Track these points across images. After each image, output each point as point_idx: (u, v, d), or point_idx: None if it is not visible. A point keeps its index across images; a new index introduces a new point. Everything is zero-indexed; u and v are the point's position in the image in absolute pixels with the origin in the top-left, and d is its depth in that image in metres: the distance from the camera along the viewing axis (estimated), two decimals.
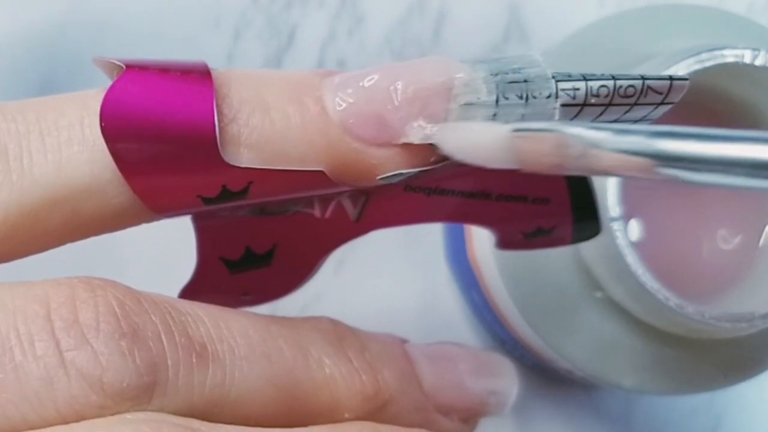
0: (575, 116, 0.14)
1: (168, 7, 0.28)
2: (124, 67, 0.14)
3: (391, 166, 0.14)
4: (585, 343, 0.22)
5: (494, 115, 0.14)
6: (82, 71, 0.27)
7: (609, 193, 0.20)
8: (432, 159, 0.14)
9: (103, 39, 0.28)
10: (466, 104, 0.14)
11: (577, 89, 0.14)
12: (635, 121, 0.15)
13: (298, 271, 0.17)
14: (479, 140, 0.14)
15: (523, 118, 0.14)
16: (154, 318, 0.14)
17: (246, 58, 0.28)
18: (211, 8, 0.29)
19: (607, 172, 0.13)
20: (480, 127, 0.14)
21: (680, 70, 0.20)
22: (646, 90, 0.14)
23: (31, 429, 0.13)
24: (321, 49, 0.29)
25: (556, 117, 0.14)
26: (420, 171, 0.14)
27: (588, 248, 0.21)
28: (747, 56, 0.20)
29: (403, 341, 0.17)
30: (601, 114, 0.14)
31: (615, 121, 0.14)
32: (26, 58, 0.28)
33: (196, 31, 0.28)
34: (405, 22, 0.29)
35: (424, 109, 0.14)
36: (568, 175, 0.16)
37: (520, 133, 0.13)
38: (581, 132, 0.12)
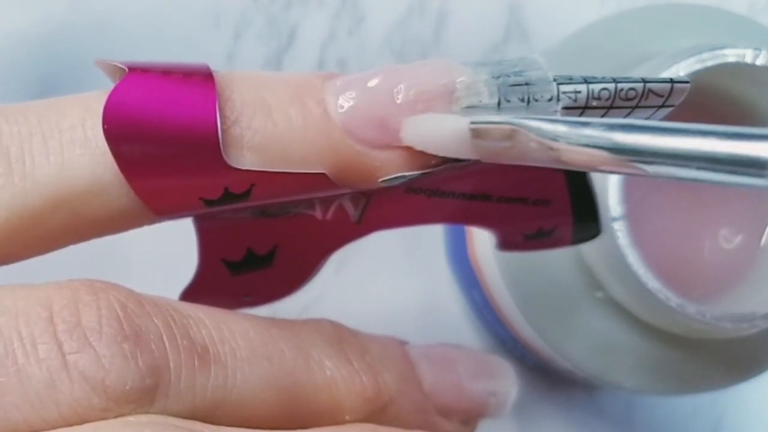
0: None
1: (168, 7, 0.28)
2: (126, 69, 0.14)
3: (393, 168, 0.14)
4: (586, 343, 0.22)
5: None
6: (83, 72, 0.27)
7: (610, 193, 0.20)
8: (433, 162, 0.14)
9: (103, 39, 0.28)
10: (467, 107, 0.14)
11: (579, 92, 0.14)
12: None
13: (299, 272, 0.17)
14: (439, 132, 0.14)
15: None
16: (156, 320, 0.14)
17: (246, 58, 0.28)
18: (211, 8, 0.29)
19: (567, 165, 0.13)
20: (439, 119, 0.14)
21: (681, 69, 0.20)
22: (647, 93, 0.14)
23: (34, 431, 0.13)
24: (321, 49, 0.29)
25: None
26: (421, 173, 0.14)
27: (589, 248, 0.21)
28: (748, 56, 0.20)
29: (403, 343, 0.17)
30: (601, 117, 0.14)
31: None
32: (26, 59, 0.28)
33: (196, 31, 0.28)
34: (405, 22, 0.29)
35: (425, 112, 0.14)
36: (568, 176, 0.16)
37: (477, 125, 0.13)
38: (538, 125, 0.13)
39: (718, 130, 0.11)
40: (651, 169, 0.11)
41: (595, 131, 0.12)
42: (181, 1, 0.28)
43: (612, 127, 0.12)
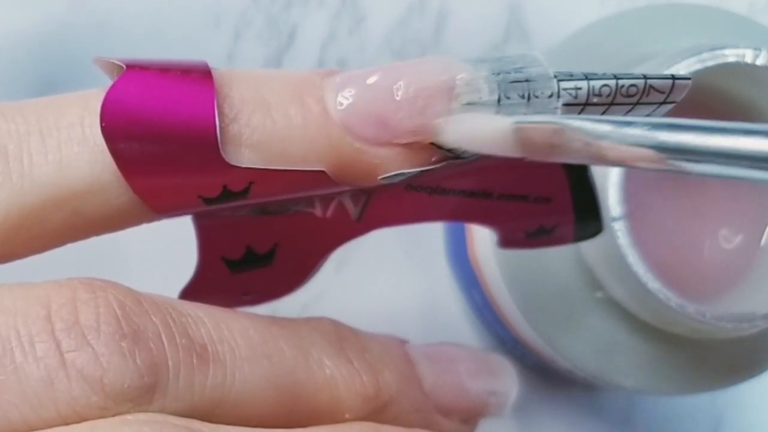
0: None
1: (168, 7, 0.28)
2: (124, 67, 0.14)
3: (393, 165, 0.14)
4: (586, 342, 0.22)
5: (496, 114, 0.14)
6: (82, 71, 0.27)
7: (610, 192, 0.20)
8: (433, 159, 0.14)
9: (103, 39, 0.28)
10: (467, 104, 0.14)
11: (579, 88, 0.14)
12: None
13: (299, 270, 0.17)
14: (482, 133, 0.14)
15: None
16: (154, 319, 0.14)
17: (246, 58, 0.28)
18: (211, 8, 0.29)
19: (609, 164, 0.13)
20: (482, 119, 0.14)
21: (681, 69, 0.20)
22: (648, 89, 0.14)
23: (32, 430, 0.13)
24: (321, 48, 0.29)
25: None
26: (421, 171, 0.14)
27: (589, 248, 0.21)
28: (748, 56, 0.20)
29: (404, 342, 0.17)
30: (602, 113, 0.14)
31: None
32: (26, 58, 0.28)
33: (196, 31, 0.28)
34: (405, 22, 0.29)
35: (425, 109, 0.14)
36: (569, 174, 0.16)
37: (522, 125, 0.13)
38: (582, 125, 0.12)
39: (762, 129, 0.11)
40: (696, 167, 0.12)
41: (640, 130, 0.12)
42: (181, 1, 0.28)
43: (656, 127, 0.12)
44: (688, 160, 0.12)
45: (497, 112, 0.14)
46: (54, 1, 0.28)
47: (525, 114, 0.14)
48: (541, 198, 0.16)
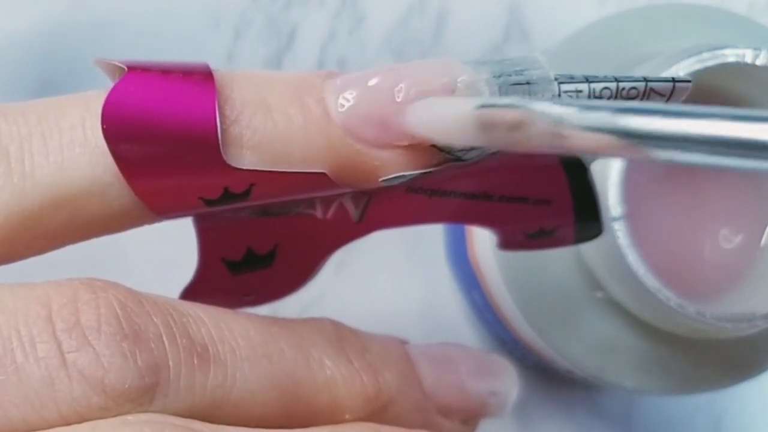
0: None
1: (168, 7, 0.28)
2: (125, 68, 0.14)
3: (394, 168, 0.14)
4: (586, 343, 0.22)
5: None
6: (82, 71, 0.27)
7: (610, 192, 0.20)
8: (434, 161, 0.14)
9: (102, 39, 0.28)
10: None
11: (580, 91, 0.14)
12: None
13: (299, 271, 0.17)
14: (444, 117, 0.14)
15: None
16: (155, 319, 0.14)
17: (246, 58, 0.28)
18: (211, 8, 0.29)
19: (573, 150, 0.12)
20: (445, 102, 0.14)
21: (681, 69, 0.20)
22: (648, 92, 0.14)
23: (33, 430, 0.13)
24: (321, 48, 0.29)
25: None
26: (422, 173, 0.14)
27: (589, 248, 0.21)
28: (748, 56, 0.20)
29: (404, 342, 0.17)
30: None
31: None
32: (26, 58, 0.28)
33: (196, 31, 0.28)
34: (405, 22, 0.29)
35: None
36: (570, 176, 0.16)
37: (484, 110, 0.13)
38: (546, 108, 0.12)
39: (730, 113, 0.11)
40: (660, 154, 0.11)
41: (604, 114, 0.12)
42: (181, 0, 0.28)
43: (621, 111, 0.12)
44: (655, 147, 0.11)
45: None
46: (54, 0, 0.28)
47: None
48: (541, 200, 0.16)
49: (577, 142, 0.12)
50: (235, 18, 0.29)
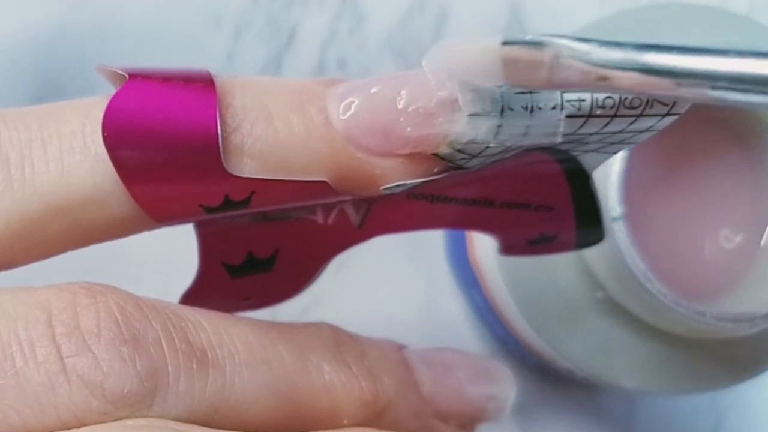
0: (580, 127, 0.14)
1: (168, 7, 0.28)
2: (127, 75, 0.14)
3: (395, 176, 0.14)
4: (586, 343, 0.22)
5: (499, 126, 0.14)
6: (82, 72, 0.27)
7: (610, 192, 0.20)
8: (435, 169, 0.14)
9: (103, 39, 0.28)
10: (471, 114, 0.14)
11: (583, 100, 0.14)
12: (640, 132, 0.14)
13: (299, 276, 0.17)
14: (469, 53, 0.13)
15: (527, 129, 0.14)
16: (154, 324, 0.14)
17: (246, 58, 0.28)
18: (211, 8, 0.29)
19: (594, 87, 0.13)
20: (467, 42, 0.14)
21: None
22: (651, 101, 0.14)
23: None
24: (321, 48, 0.29)
25: (561, 128, 0.14)
26: (424, 181, 0.14)
27: (589, 249, 0.21)
28: None
29: (402, 347, 0.17)
30: (606, 125, 0.14)
31: (620, 132, 0.14)
32: (26, 59, 0.28)
33: (196, 30, 0.28)
34: (406, 22, 0.29)
35: (428, 120, 0.14)
36: (571, 182, 0.16)
37: (509, 47, 0.13)
38: (569, 43, 0.12)
39: (753, 51, 0.11)
40: (682, 91, 0.11)
41: (626, 51, 0.12)
42: (181, 1, 0.28)
43: (643, 48, 0.12)
44: (677, 83, 0.12)
45: (500, 124, 0.14)
46: (54, 1, 0.28)
47: (528, 126, 0.14)
48: (542, 206, 0.16)
49: (599, 75, 0.12)
50: (235, 18, 0.29)
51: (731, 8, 0.23)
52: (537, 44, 0.13)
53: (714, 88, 0.12)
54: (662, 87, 0.12)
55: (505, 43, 0.13)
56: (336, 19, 0.29)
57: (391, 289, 0.28)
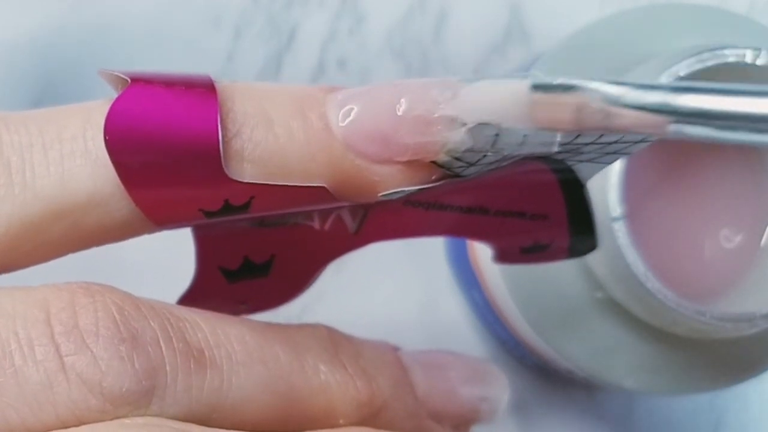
0: (576, 137, 0.14)
1: (168, 7, 0.28)
2: (128, 80, 0.14)
3: (393, 183, 0.14)
4: (586, 343, 0.22)
5: (497, 135, 0.14)
6: (83, 72, 0.27)
7: (610, 193, 0.20)
8: (433, 177, 0.14)
9: (103, 39, 0.28)
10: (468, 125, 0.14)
11: None
12: (635, 142, 0.15)
13: (295, 281, 0.17)
14: (498, 98, 0.14)
15: (525, 139, 0.14)
16: (152, 323, 0.14)
17: (246, 58, 0.28)
18: (211, 8, 0.29)
19: (626, 130, 0.13)
20: (499, 84, 0.14)
21: (681, 69, 0.20)
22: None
23: None
24: (322, 48, 0.29)
25: (558, 138, 0.14)
26: (421, 189, 0.14)
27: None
28: (748, 56, 0.20)
29: (396, 348, 0.17)
30: (601, 135, 0.14)
31: (615, 142, 0.14)
32: (26, 61, 0.28)
33: (196, 30, 0.28)
34: (406, 22, 0.29)
35: (427, 128, 0.14)
36: (566, 191, 0.16)
37: (539, 94, 0.13)
38: (600, 87, 0.12)
39: None
40: (714, 133, 0.11)
41: (660, 94, 0.12)
42: (181, 1, 0.28)
43: (678, 90, 0.12)
44: (714, 126, 0.12)
45: (498, 133, 0.14)
46: (54, 2, 0.28)
47: (526, 135, 0.14)
48: (537, 215, 0.16)
49: (632, 121, 0.12)
50: (235, 18, 0.29)
51: (731, 8, 0.23)
52: (567, 88, 0.13)
53: (756, 130, 0.12)
54: (699, 134, 0.12)
55: (535, 86, 0.13)
56: (336, 19, 0.29)
57: (391, 289, 0.28)
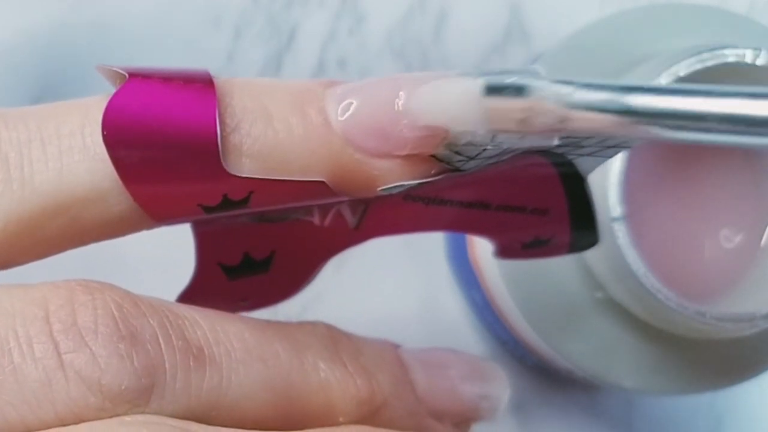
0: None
1: (168, 7, 0.28)
2: (126, 75, 0.14)
3: (393, 177, 0.14)
4: (586, 343, 0.22)
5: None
6: (83, 71, 0.27)
7: (610, 192, 0.20)
8: (433, 171, 0.14)
9: (102, 40, 0.28)
10: None
11: None
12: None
13: (296, 277, 0.17)
14: (449, 100, 0.14)
15: (522, 135, 0.14)
16: (151, 321, 0.14)
17: (246, 58, 0.28)
18: (211, 8, 0.29)
19: (575, 131, 0.13)
20: (449, 86, 0.14)
21: (681, 69, 0.20)
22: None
23: (30, 431, 0.13)
24: (321, 48, 0.29)
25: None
26: (421, 183, 0.14)
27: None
28: (748, 56, 0.20)
29: (396, 346, 0.17)
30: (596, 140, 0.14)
31: (617, 146, 0.14)
32: (26, 60, 0.28)
33: (196, 30, 0.28)
34: (406, 22, 0.29)
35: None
36: (566, 186, 0.16)
37: (490, 98, 0.13)
38: (548, 86, 0.12)
39: (738, 91, 0.11)
40: (666, 133, 0.11)
41: (607, 94, 0.12)
42: (181, 1, 0.29)
43: (625, 90, 0.12)
44: (661, 126, 0.11)
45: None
46: (53, 1, 0.28)
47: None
48: (538, 209, 0.16)
49: (580, 123, 0.12)
50: (235, 18, 0.29)
51: (731, 8, 0.23)
52: (518, 90, 0.13)
53: (702, 130, 0.11)
54: (642, 132, 0.12)
55: (488, 88, 0.13)
56: (336, 19, 0.29)
57: (391, 287, 0.28)
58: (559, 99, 0.12)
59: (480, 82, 0.13)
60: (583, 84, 0.12)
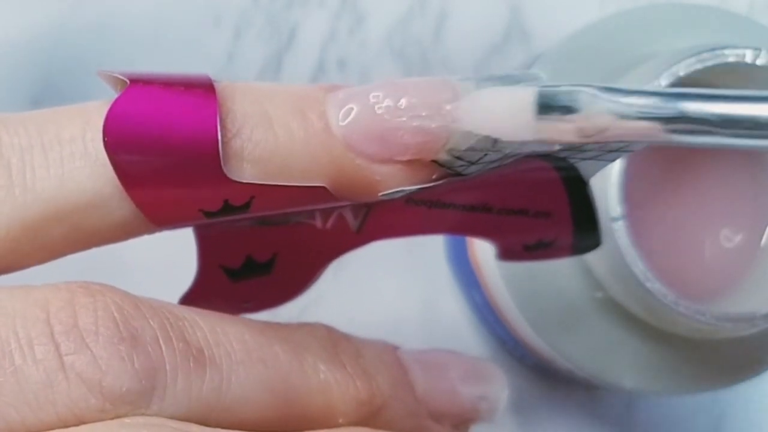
0: None
1: (168, 8, 0.28)
2: (127, 80, 0.14)
3: (394, 182, 0.14)
4: (586, 343, 0.22)
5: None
6: (83, 73, 0.27)
7: (610, 192, 0.20)
8: (434, 176, 0.14)
9: (102, 40, 0.28)
10: None
11: None
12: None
13: (298, 279, 0.17)
14: (499, 114, 0.14)
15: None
16: (152, 323, 0.14)
17: (246, 58, 0.28)
18: (211, 8, 0.29)
19: (624, 139, 0.13)
20: (501, 100, 0.14)
21: (681, 69, 0.20)
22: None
23: None
24: (321, 48, 0.29)
25: None
26: (422, 188, 0.14)
27: None
28: (748, 56, 0.20)
29: (396, 348, 0.17)
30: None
31: (619, 150, 0.14)
32: (25, 60, 0.28)
33: (196, 30, 0.28)
34: (406, 22, 0.29)
35: (425, 127, 0.14)
36: (569, 188, 0.16)
37: (543, 116, 0.13)
38: (607, 105, 0.13)
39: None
40: (723, 140, 0.11)
41: (656, 100, 0.12)
42: (181, 1, 0.29)
43: (674, 97, 0.12)
44: (715, 133, 0.12)
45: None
46: (53, 2, 0.28)
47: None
48: (540, 213, 0.16)
49: (624, 130, 0.12)
50: (235, 18, 0.29)
51: (731, 8, 0.23)
52: (569, 110, 0.13)
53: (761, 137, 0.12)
54: (688, 137, 0.12)
55: (539, 107, 0.13)
56: (336, 19, 0.29)
57: (391, 289, 0.28)
58: (611, 109, 0.12)
59: (531, 97, 0.13)
60: (630, 91, 0.12)
